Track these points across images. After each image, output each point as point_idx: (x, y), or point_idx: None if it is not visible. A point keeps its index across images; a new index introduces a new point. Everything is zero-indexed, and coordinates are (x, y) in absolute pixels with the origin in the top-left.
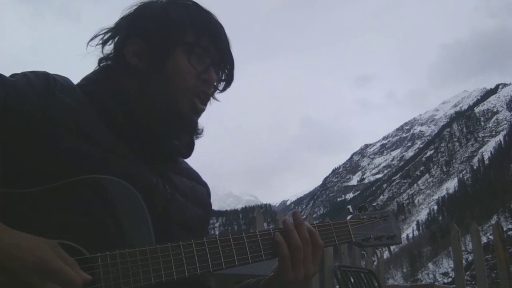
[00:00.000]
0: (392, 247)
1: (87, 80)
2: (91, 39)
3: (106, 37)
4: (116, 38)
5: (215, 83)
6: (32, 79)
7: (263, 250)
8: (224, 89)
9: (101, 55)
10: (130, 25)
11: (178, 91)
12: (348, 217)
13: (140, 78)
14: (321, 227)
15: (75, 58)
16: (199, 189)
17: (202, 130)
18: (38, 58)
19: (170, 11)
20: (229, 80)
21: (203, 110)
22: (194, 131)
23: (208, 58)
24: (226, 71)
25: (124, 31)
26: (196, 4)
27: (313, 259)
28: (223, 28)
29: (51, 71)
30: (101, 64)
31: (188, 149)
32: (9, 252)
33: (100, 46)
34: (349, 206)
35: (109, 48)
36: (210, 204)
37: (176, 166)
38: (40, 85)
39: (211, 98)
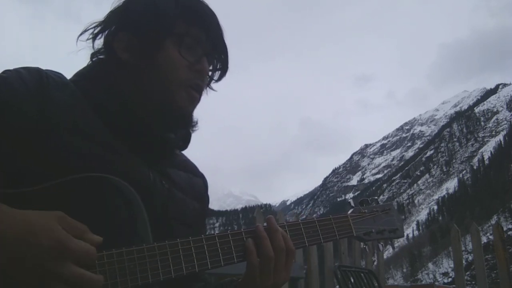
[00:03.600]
0: (388, 250)
1: (79, 75)
2: (81, 34)
3: (95, 31)
4: (106, 32)
5: (209, 73)
6: (25, 75)
7: (235, 253)
8: (219, 79)
9: (93, 50)
10: (119, 18)
11: (172, 83)
12: (349, 211)
13: (133, 72)
14: (307, 224)
15: (75, 58)
16: (196, 181)
17: (197, 122)
18: (38, 58)
19: (158, 1)
20: (224, 69)
21: (198, 100)
22: (189, 123)
23: (200, 48)
24: (220, 60)
25: (113, 25)
26: None
27: (286, 266)
28: (215, 15)
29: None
30: (93, 59)
31: (185, 141)
32: (25, 240)
33: (91, 41)
34: (350, 200)
35: (100, 42)
36: (208, 197)
37: (173, 159)
38: (33, 82)
39: (208, 88)
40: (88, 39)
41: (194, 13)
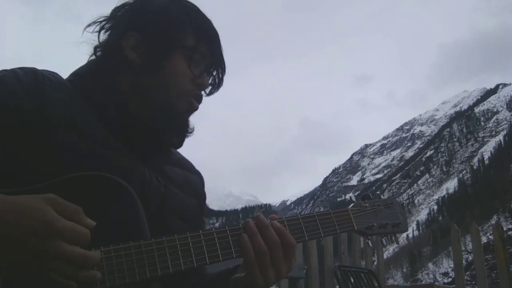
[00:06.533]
0: (393, 245)
1: (76, 75)
2: (88, 25)
3: (103, 24)
4: (115, 29)
5: (207, 88)
6: (21, 75)
7: (233, 248)
8: (210, 94)
9: (96, 45)
10: (130, 18)
11: (174, 92)
12: (350, 206)
13: (135, 73)
14: (307, 218)
15: (76, 59)
16: (192, 178)
17: (193, 129)
18: (40, 60)
19: (172, 10)
20: (218, 86)
21: (197, 109)
22: (186, 130)
23: (203, 64)
24: (217, 77)
25: (123, 23)
26: (197, 7)
27: (285, 259)
28: (218, 34)
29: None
30: (96, 54)
31: (179, 140)
32: (12, 221)
33: (97, 33)
34: (351, 195)
35: (104, 37)
36: (205, 194)
37: (169, 157)
38: (29, 81)
39: None
40: (94, 32)
41: (203, 30)
